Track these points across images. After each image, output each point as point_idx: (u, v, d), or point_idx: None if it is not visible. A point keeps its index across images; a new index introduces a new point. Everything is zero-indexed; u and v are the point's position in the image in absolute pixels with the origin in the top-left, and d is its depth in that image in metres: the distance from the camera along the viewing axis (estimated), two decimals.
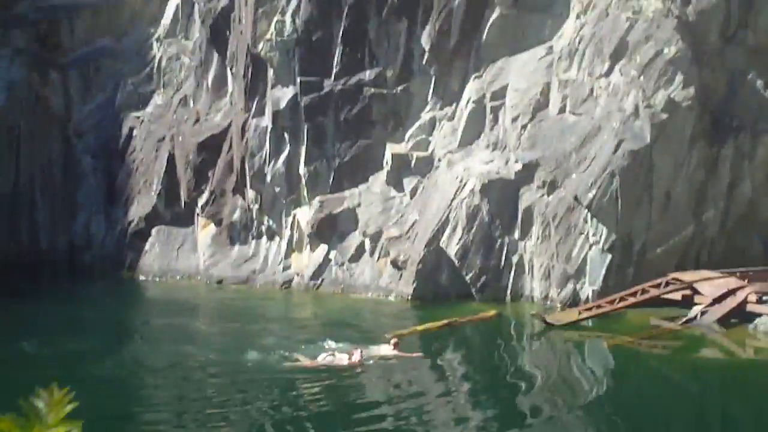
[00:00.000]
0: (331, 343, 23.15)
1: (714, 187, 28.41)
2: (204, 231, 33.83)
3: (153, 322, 27.99)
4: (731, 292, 25.20)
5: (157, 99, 37.31)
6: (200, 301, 31.10)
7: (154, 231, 34.63)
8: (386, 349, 22.33)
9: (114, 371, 21.40)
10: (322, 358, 21.74)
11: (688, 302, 25.83)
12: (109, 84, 37.99)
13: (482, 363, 22.67)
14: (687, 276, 26.34)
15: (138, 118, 36.72)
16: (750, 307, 25.01)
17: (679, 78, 28.10)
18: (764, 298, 25.21)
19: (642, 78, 28.26)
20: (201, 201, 33.90)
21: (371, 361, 21.72)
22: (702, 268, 27.38)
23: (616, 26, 29.18)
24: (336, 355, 21.85)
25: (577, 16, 30.39)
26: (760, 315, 24.81)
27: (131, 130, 36.50)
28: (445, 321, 25.47)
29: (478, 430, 18.21)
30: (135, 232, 34.80)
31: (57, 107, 37.67)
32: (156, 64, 37.93)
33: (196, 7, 37.64)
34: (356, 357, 21.38)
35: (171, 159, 34.78)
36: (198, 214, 34.15)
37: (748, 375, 22.44)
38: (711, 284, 25.75)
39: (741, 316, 25.02)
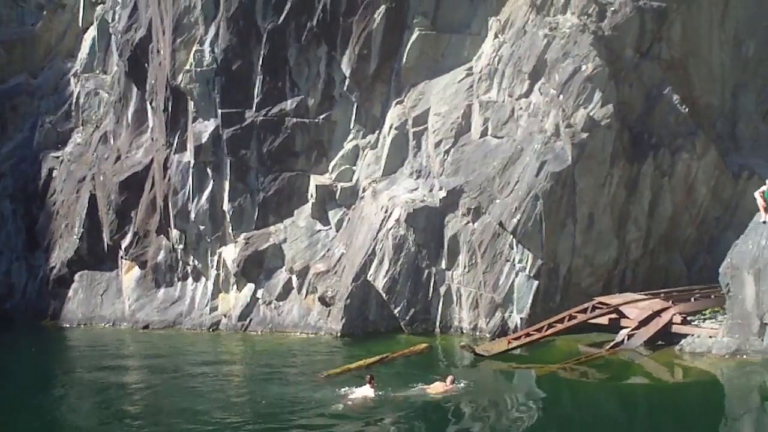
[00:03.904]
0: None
1: (635, 206, 28.55)
2: (128, 274, 33.31)
3: (77, 374, 27.34)
4: (656, 314, 25.38)
5: (77, 137, 36.71)
6: (126, 349, 30.51)
7: (77, 276, 34.05)
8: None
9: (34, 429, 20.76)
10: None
11: (615, 326, 25.94)
12: (26, 123, 37.26)
13: (409, 400, 22.44)
14: (613, 299, 26.46)
15: (57, 158, 36.07)
16: (675, 328, 25.24)
17: (597, 95, 28.16)
18: (689, 318, 25.38)
19: (561, 97, 28.28)
20: (124, 243, 33.36)
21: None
22: (627, 290, 27.59)
23: (534, 44, 29.17)
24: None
25: (495, 35, 30.34)
26: (685, 336, 24.98)
27: (51, 170, 35.84)
28: (377, 357, 25.35)
29: None
30: (57, 278, 34.20)
31: None
32: (74, 101, 37.31)
33: (113, 39, 37.05)
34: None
35: (92, 200, 34.19)
36: (122, 257, 33.61)
37: (675, 398, 22.44)
38: (636, 307, 25.89)
39: (667, 337, 25.19)
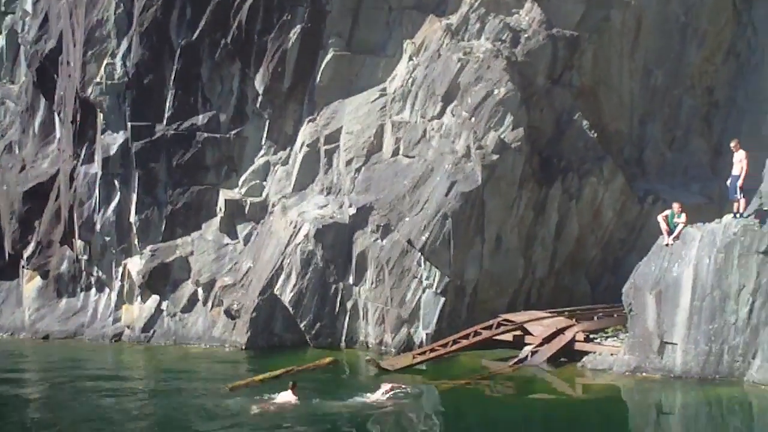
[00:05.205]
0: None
1: (543, 228, 28.89)
2: (29, 284, 32.61)
3: None
4: (560, 332, 25.68)
5: None
6: (24, 359, 29.68)
7: None
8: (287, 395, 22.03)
9: None
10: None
11: (519, 343, 26.15)
12: None
13: (311, 412, 22.22)
14: (517, 317, 26.70)
15: None
16: (578, 346, 25.57)
17: (508, 119, 28.50)
18: (591, 336, 25.71)
19: (473, 119, 28.55)
20: (26, 252, 32.70)
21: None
22: (532, 308, 27.87)
23: (448, 67, 29.45)
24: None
25: (410, 58, 30.58)
26: (587, 353, 25.28)
27: None
28: (282, 370, 25.17)
29: None
30: None
31: None
32: None
33: (22, 49, 36.53)
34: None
35: None
36: (23, 267, 32.94)
37: (576, 413, 22.64)
38: (540, 324, 26.18)
39: (570, 354, 25.48)
